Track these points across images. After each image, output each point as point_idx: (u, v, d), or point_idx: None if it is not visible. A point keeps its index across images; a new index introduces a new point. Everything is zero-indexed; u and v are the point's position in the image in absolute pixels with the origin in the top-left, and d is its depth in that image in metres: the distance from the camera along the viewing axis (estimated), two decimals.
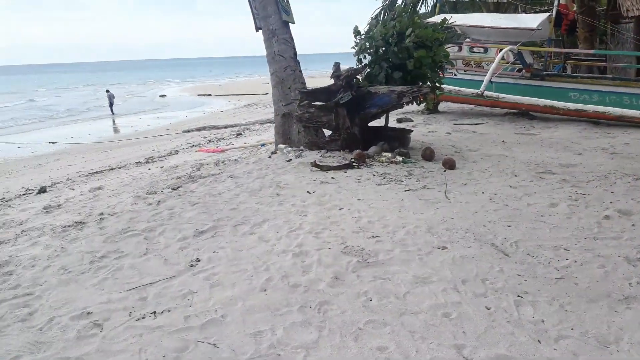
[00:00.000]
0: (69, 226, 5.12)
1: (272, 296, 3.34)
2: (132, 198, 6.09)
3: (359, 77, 7.56)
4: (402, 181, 6.04)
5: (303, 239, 4.26)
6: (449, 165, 6.65)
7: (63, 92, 53.79)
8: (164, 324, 3.07)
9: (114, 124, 25.25)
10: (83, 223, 5.18)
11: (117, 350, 2.84)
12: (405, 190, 5.63)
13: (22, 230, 5.22)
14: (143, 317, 3.17)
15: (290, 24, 8.16)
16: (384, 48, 7.45)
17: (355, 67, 7.24)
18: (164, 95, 40.72)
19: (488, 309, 3.10)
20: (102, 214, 5.54)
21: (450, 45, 11.56)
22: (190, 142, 14.84)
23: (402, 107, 7.63)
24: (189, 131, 18.28)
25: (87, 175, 11.12)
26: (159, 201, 5.72)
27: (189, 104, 32.50)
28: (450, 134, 9.75)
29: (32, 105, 41.40)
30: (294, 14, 8.27)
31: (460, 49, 13.55)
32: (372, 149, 7.29)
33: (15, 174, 13.93)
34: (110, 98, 28.09)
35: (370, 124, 7.88)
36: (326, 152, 7.50)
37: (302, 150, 7.66)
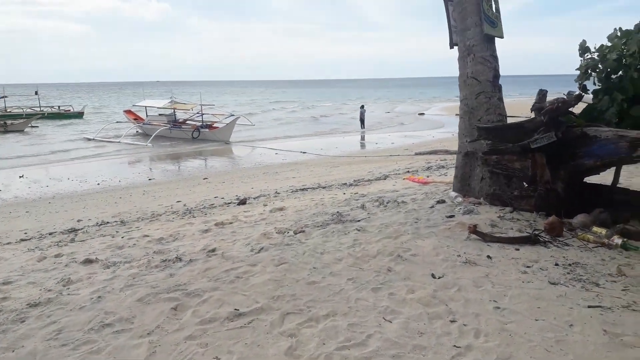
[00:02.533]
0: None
1: None
2: (257, 237, 5.21)
3: (573, 112, 5.14)
4: (598, 284, 3.63)
5: None
6: None
7: (342, 106, 58.80)
8: None
9: (362, 139, 25.76)
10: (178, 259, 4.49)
11: None
12: (591, 307, 3.29)
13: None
14: None
15: (495, 39, 6.19)
16: (621, 72, 4.88)
17: (565, 96, 4.87)
18: (422, 114, 40.51)
19: None
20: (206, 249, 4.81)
21: None
22: (410, 167, 13.62)
23: (635, 162, 4.92)
24: (420, 154, 17.10)
25: (289, 191, 11.02)
26: (261, 249, 4.69)
27: (442, 123, 31.30)
28: None
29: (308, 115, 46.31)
30: (503, 25, 6.25)
31: None
32: (578, 218, 4.85)
33: (249, 179, 14.97)
34: (362, 114, 28.97)
35: (589, 180, 5.33)
36: (512, 211, 5.35)
37: (479, 203, 5.66)
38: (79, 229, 8.32)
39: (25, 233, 8.39)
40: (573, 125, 4.98)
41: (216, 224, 7.01)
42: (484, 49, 5.99)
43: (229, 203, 9.93)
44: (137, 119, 29.73)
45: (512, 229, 4.85)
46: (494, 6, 6.11)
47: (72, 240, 7.17)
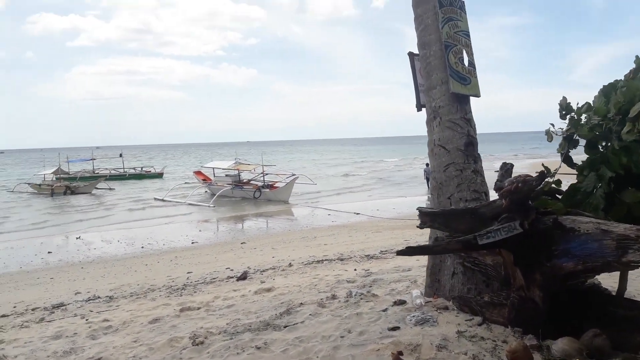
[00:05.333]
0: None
1: None
2: (162, 344, 4.25)
3: (558, 190, 3.71)
4: None
5: None
6: None
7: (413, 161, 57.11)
8: None
9: (428, 199, 24.21)
10: None
11: None
12: None
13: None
14: None
15: (471, 98, 4.93)
16: (604, 142, 3.45)
17: (530, 175, 3.48)
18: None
19: None
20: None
21: None
22: None
23: (626, 268, 3.36)
24: None
25: (304, 263, 10.04)
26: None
27: None
28: None
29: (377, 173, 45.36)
30: (478, 82, 4.97)
31: None
32: (559, 344, 3.34)
33: (282, 245, 14.12)
34: (427, 173, 27.36)
35: (588, 284, 3.77)
36: (480, 324, 3.93)
37: (445, 308, 4.27)
38: (67, 304, 7.87)
39: (14, 307, 8.05)
40: (545, 211, 3.57)
41: (187, 309, 6.23)
42: (452, 111, 4.74)
43: (232, 277, 9.12)
44: (205, 179, 30.38)
45: (465, 354, 3.45)
46: (466, 59, 4.90)
47: (40, 320, 6.66)
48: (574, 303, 3.67)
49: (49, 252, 14.73)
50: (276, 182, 27.40)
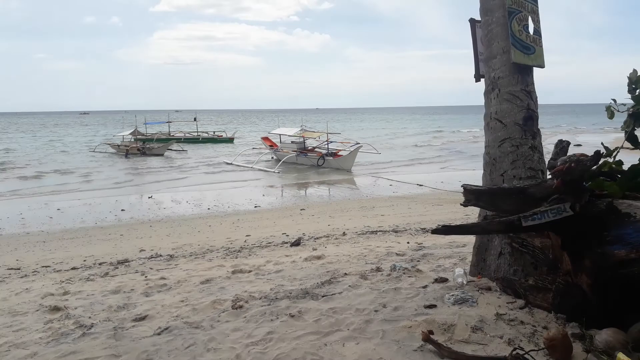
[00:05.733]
0: None
1: None
2: (206, 304, 4.45)
3: (620, 170, 3.39)
4: None
5: None
6: None
7: None
8: None
9: None
10: None
11: None
12: None
13: None
14: None
15: (534, 69, 4.57)
16: None
17: (585, 155, 3.18)
18: (579, 145, 35.42)
19: None
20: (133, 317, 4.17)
21: None
22: None
23: None
24: None
25: (358, 233, 10.05)
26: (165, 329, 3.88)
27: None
28: None
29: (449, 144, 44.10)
30: (544, 50, 4.59)
31: None
32: (604, 334, 3.13)
33: (340, 213, 14.17)
34: None
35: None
36: (522, 307, 3.75)
37: (488, 288, 4.11)
38: (131, 260, 8.38)
39: (84, 260, 8.70)
40: (600, 194, 3.29)
41: (239, 271, 6.48)
42: (512, 83, 4.42)
43: (287, 243, 9.32)
44: (272, 145, 30.90)
45: (501, 337, 3.32)
46: (531, 27, 4.53)
47: (105, 274, 7.14)
48: (626, 293, 3.40)
49: (122, 210, 15.69)
50: (340, 150, 27.37)
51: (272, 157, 30.00)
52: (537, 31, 4.57)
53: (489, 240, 4.45)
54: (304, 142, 28.57)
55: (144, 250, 9.44)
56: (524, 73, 4.50)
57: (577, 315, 3.41)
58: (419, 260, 6.14)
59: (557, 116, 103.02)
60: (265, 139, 32.61)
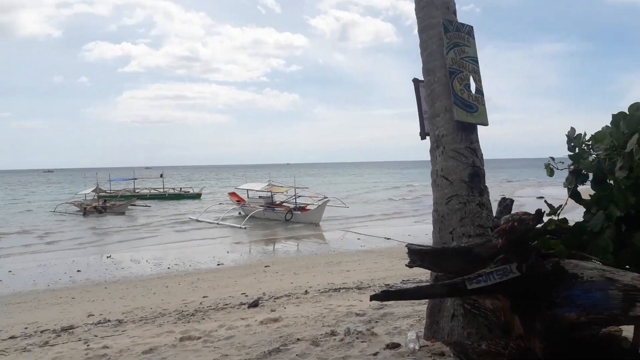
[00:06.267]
0: None
1: None
2: None
3: (562, 227, 3.32)
4: None
5: None
6: None
7: None
8: None
9: None
10: None
11: None
12: None
13: None
14: None
15: (478, 127, 4.59)
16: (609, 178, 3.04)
17: (528, 213, 3.11)
18: (541, 197, 36.26)
19: None
20: None
21: None
22: None
23: (634, 323, 2.93)
24: None
25: (321, 291, 9.74)
26: None
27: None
28: None
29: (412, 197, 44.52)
30: (486, 109, 4.63)
31: None
32: None
33: (304, 270, 13.84)
34: None
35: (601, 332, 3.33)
36: None
37: (441, 354, 3.90)
38: (76, 327, 7.86)
39: (26, 328, 8.09)
40: (548, 254, 3.19)
41: (187, 338, 6.08)
42: (456, 140, 4.42)
43: (244, 304, 8.93)
44: (239, 200, 30.55)
45: None
46: (473, 86, 4.59)
47: (44, 344, 6.63)
48: (581, 356, 3.24)
49: (78, 271, 14.97)
50: (308, 204, 27.24)
51: (240, 213, 29.59)
52: (479, 90, 4.62)
53: (441, 301, 4.28)
54: (272, 197, 28.36)
55: (93, 315, 8.89)
56: (467, 131, 4.50)
57: None
58: (377, 321, 5.89)
59: (526, 169, 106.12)
60: (232, 194, 32.24)
